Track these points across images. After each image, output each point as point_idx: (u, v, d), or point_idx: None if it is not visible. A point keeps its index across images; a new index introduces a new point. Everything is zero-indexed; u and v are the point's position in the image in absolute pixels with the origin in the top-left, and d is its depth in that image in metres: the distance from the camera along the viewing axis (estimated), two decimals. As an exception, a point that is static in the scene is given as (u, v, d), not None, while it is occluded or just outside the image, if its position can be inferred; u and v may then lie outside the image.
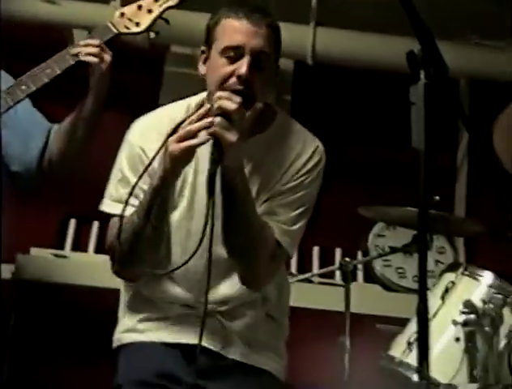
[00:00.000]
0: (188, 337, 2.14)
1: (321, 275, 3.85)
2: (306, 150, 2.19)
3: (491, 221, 2.94)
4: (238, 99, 1.96)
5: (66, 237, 3.88)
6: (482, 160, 3.77)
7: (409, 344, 2.57)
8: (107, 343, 2.29)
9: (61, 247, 3.85)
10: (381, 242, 3.97)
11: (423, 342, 1.85)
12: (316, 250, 3.95)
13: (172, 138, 1.95)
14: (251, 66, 2.03)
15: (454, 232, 3.72)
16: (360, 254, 3.95)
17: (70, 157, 2.68)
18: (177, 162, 1.97)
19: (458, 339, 2.48)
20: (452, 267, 2.76)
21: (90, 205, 2.31)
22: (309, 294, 3.73)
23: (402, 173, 3.37)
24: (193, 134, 1.94)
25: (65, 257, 3.79)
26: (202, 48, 2.14)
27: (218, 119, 1.93)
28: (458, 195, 4.10)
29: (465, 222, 3.47)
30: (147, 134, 2.16)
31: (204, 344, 2.12)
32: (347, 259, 3.13)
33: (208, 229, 1.92)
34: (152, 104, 3.87)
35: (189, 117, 1.98)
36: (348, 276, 3.11)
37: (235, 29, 2.06)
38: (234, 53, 2.04)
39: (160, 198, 2.02)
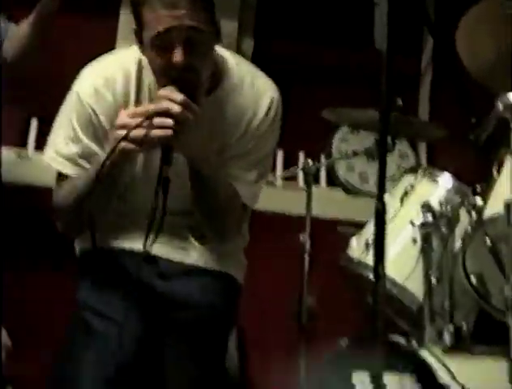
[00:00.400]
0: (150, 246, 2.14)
1: (284, 179, 3.90)
2: (261, 105, 2.14)
3: (454, 126, 2.98)
4: (179, 97, 1.90)
5: (29, 137, 3.87)
6: (446, 64, 3.79)
7: (367, 244, 2.64)
8: (71, 246, 2.32)
9: (25, 146, 3.85)
10: (345, 147, 4.01)
11: (379, 240, 1.93)
12: (280, 153, 3.98)
13: (122, 134, 1.91)
14: (185, 48, 1.92)
15: (417, 136, 3.77)
16: (323, 158, 3.99)
17: (24, 58, 2.72)
18: (126, 154, 1.95)
19: (415, 240, 2.54)
20: (412, 170, 2.81)
21: (52, 105, 2.32)
22: (272, 197, 3.78)
23: (367, 75, 3.38)
24: (141, 139, 1.90)
25: (28, 157, 3.79)
26: (134, 26, 2.02)
27: (160, 132, 1.89)
28: (421, 100, 4.14)
29: (428, 126, 3.52)
30: (100, 94, 2.09)
31: (167, 253, 2.19)
32: (309, 162, 3.18)
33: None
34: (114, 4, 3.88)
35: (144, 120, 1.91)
36: (310, 179, 3.16)
37: (158, 17, 1.92)
38: (162, 42, 1.93)
39: (110, 173, 1.97)
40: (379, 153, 1.93)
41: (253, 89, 2.15)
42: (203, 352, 2.18)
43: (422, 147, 4.12)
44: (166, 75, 1.96)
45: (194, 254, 2.23)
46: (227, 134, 2.13)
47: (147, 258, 2.10)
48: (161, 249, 2.17)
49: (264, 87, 2.17)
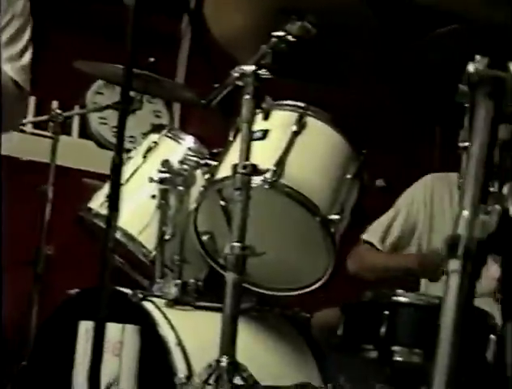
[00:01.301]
0: None
1: (35, 127, 3.86)
2: None
3: (206, 91, 3.08)
4: None
5: None
6: (199, 30, 3.89)
7: (108, 197, 2.69)
8: None
9: None
10: (100, 99, 4.02)
11: (114, 192, 1.98)
12: (32, 99, 3.91)
13: None
14: None
15: (172, 97, 3.86)
16: (76, 109, 3.97)
17: None
18: None
19: (154, 197, 2.62)
20: (157, 129, 2.89)
21: None
22: (21, 143, 3.73)
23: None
24: None
25: None
26: None
27: None
28: (180, 62, 4.22)
29: (180, 88, 3.61)
30: None
31: None
32: (58, 111, 3.17)
33: None
34: None
35: None
36: (58, 128, 3.16)
37: None
38: None
39: None
40: (120, 108, 1.99)
41: None
42: None
43: (177, 108, 4.21)
44: None
45: None
46: None
47: None
48: None
49: None
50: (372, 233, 3.16)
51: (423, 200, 3.13)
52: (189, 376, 2.12)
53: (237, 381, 2.01)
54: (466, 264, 0.97)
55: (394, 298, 2.43)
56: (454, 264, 0.98)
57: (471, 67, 1.14)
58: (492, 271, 2.53)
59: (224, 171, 2.29)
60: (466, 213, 0.99)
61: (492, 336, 2.33)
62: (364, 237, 3.17)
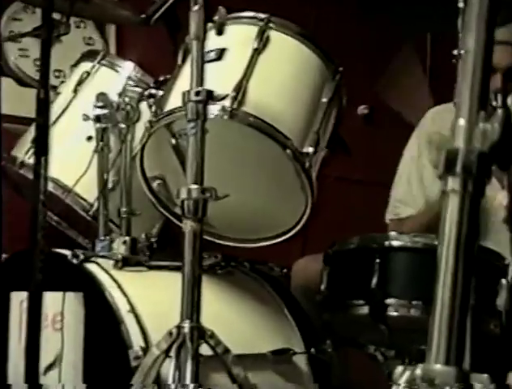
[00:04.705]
0: None
1: None
2: None
3: (144, 6, 3.06)
4: None
5: None
6: None
7: (34, 141, 2.68)
8: None
9: None
10: (17, 27, 3.97)
11: (41, 135, 1.98)
12: None
13: None
14: None
15: (104, 18, 3.81)
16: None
17: None
18: None
19: (90, 138, 2.61)
20: (89, 56, 2.86)
21: None
22: None
23: None
24: None
25: None
26: None
27: None
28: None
29: (115, 5, 3.58)
30: None
31: None
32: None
33: None
34: None
35: None
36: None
37: None
38: None
39: None
40: (43, 33, 1.98)
41: None
42: None
43: (111, 32, 4.16)
44: None
45: None
46: None
47: None
48: None
49: None
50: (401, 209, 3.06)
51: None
52: (146, 347, 2.14)
53: (204, 350, 2.03)
54: (466, 182, 0.98)
55: (386, 242, 2.45)
56: (453, 183, 0.99)
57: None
58: (499, 198, 2.56)
59: (174, 101, 2.28)
60: (462, 122, 1.00)
61: (503, 280, 2.37)
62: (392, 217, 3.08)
